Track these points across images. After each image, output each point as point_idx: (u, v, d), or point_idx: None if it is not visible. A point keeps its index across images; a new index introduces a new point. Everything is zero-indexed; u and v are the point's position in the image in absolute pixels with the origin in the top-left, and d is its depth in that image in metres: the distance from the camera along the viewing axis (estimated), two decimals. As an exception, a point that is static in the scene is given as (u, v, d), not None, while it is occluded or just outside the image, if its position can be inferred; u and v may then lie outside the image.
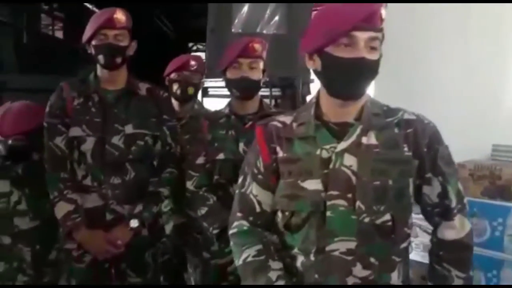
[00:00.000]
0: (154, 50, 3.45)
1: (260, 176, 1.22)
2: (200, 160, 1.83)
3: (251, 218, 1.24)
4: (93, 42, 1.76)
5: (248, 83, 1.77)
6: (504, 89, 2.37)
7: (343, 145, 1.12)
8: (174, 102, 2.36)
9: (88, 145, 1.77)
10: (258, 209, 1.23)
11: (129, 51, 1.80)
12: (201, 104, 2.50)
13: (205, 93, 3.11)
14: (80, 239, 1.76)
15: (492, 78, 2.38)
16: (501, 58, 2.37)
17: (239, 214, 1.26)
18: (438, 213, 1.19)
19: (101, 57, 1.77)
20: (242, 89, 1.80)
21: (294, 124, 1.19)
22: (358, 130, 1.13)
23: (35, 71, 4.70)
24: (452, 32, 2.45)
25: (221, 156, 1.79)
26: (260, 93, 1.91)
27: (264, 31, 2.72)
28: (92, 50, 1.78)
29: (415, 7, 2.57)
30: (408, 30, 2.57)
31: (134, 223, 1.79)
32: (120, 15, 1.73)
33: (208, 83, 2.92)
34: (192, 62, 2.32)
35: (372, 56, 1.08)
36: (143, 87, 1.89)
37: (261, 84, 1.85)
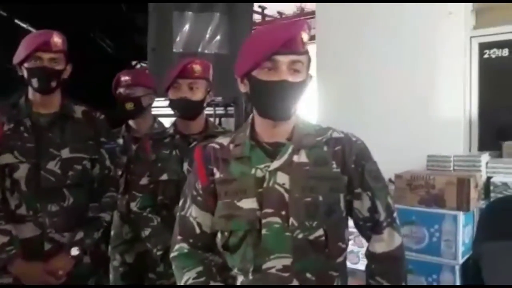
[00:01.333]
0: (95, 69, 3.34)
1: (199, 198, 1.23)
2: (144, 181, 1.81)
3: (191, 241, 1.24)
4: (26, 65, 1.69)
5: (187, 104, 1.78)
6: (436, 105, 2.51)
7: (276, 164, 1.15)
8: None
9: (22, 172, 1.69)
10: (198, 231, 1.23)
11: (64, 74, 1.75)
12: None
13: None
14: (17, 272, 1.66)
15: (426, 92, 2.52)
16: (431, 76, 2.52)
17: (179, 237, 1.26)
18: (369, 227, 1.22)
19: (34, 81, 1.70)
20: (182, 109, 1.81)
21: (231, 145, 1.22)
22: (290, 149, 1.17)
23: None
24: (390, 53, 2.58)
25: (164, 176, 1.78)
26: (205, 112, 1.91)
27: (206, 51, 2.74)
28: (24, 73, 1.71)
29: (354, 25, 2.69)
30: (350, 49, 2.69)
31: (75, 251, 1.71)
32: (56, 39, 1.68)
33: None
34: (125, 78, 2.24)
35: (295, 79, 1.12)
36: (78, 110, 1.83)
37: (204, 105, 1.85)
